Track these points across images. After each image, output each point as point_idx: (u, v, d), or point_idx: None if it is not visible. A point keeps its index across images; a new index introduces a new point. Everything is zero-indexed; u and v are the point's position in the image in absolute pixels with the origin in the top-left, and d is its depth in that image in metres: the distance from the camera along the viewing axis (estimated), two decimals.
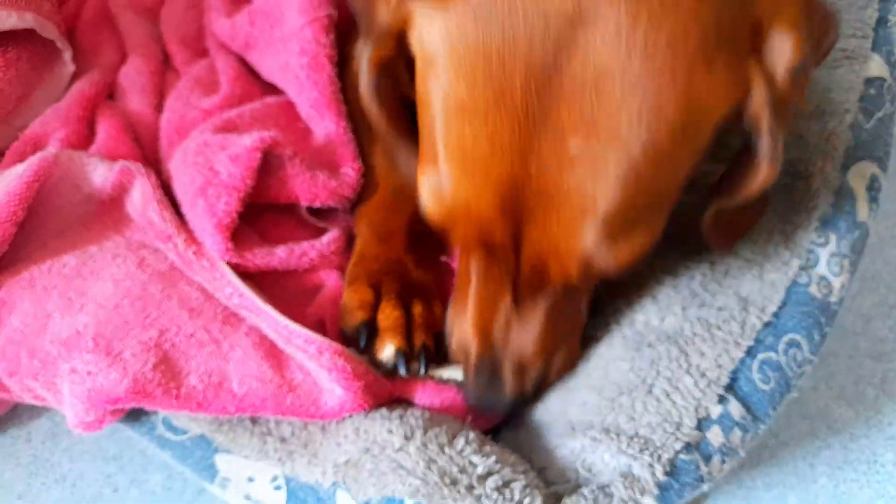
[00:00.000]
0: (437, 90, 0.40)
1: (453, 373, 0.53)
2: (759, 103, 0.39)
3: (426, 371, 0.53)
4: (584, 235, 0.39)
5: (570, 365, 0.52)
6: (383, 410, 0.50)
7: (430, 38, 0.40)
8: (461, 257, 0.51)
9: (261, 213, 0.60)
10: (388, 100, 0.47)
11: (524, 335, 0.47)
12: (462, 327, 0.50)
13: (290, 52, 0.63)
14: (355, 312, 0.55)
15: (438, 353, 0.54)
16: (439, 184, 0.41)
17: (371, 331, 0.54)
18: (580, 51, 0.36)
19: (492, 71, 0.37)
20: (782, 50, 0.39)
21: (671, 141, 0.38)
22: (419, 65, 0.41)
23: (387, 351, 0.53)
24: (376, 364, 0.53)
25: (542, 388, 0.51)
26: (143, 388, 0.49)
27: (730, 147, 0.44)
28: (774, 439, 0.72)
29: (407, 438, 0.47)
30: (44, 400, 0.54)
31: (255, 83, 0.68)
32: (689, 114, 0.38)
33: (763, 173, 0.42)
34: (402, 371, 0.52)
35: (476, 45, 0.37)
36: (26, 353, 0.52)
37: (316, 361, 0.50)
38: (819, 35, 0.44)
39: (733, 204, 0.45)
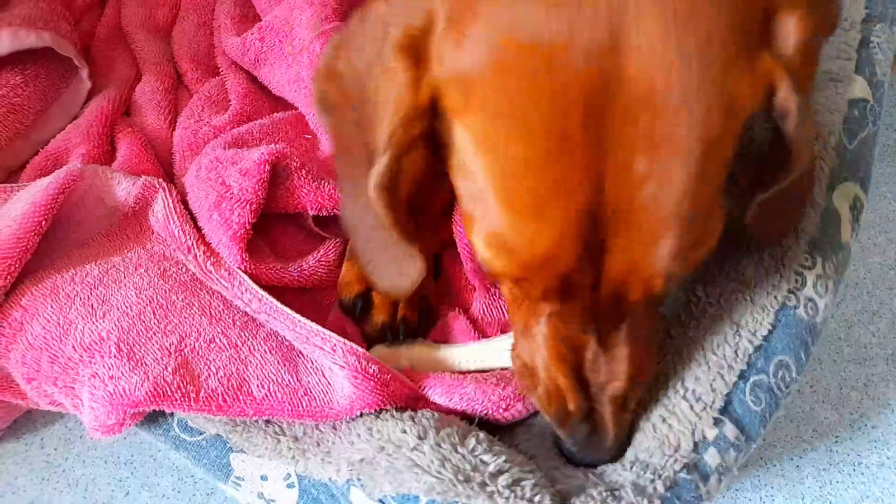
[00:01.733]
0: (489, 150, 0.39)
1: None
2: (785, 92, 0.40)
3: (403, 339, 0.59)
4: (664, 250, 0.39)
5: (653, 375, 0.50)
6: (393, 411, 0.51)
7: (471, 104, 0.39)
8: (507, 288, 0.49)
9: (269, 224, 0.62)
10: (395, 196, 0.45)
11: (616, 369, 0.45)
12: (546, 373, 0.47)
13: (301, 65, 0.65)
14: (353, 285, 0.60)
15: (421, 325, 0.60)
16: (506, 241, 0.40)
17: (366, 302, 0.60)
18: (625, 73, 0.36)
19: (546, 117, 0.37)
20: (791, 32, 0.40)
21: (720, 144, 0.39)
22: (457, 134, 0.40)
23: (375, 323, 0.59)
24: (365, 335, 0.58)
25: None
26: (162, 391, 0.50)
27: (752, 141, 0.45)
28: (761, 441, 0.75)
29: (421, 438, 0.48)
30: (60, 405, 0.55)
31: (264, 99, 0.69)
32: (730, 115, 0.38)
33: (801, 154, 0.42)
34: (389, 338, 0.58)
35: (524, 95, 0.37)
36: (47, 358, 0.53)
37: (331, 359, 0.51)
38: (825, 10, 0.44)
39: (775, 192, 0.45)
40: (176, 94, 0.71)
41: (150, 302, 0.54)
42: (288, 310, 0.54)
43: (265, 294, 0.55)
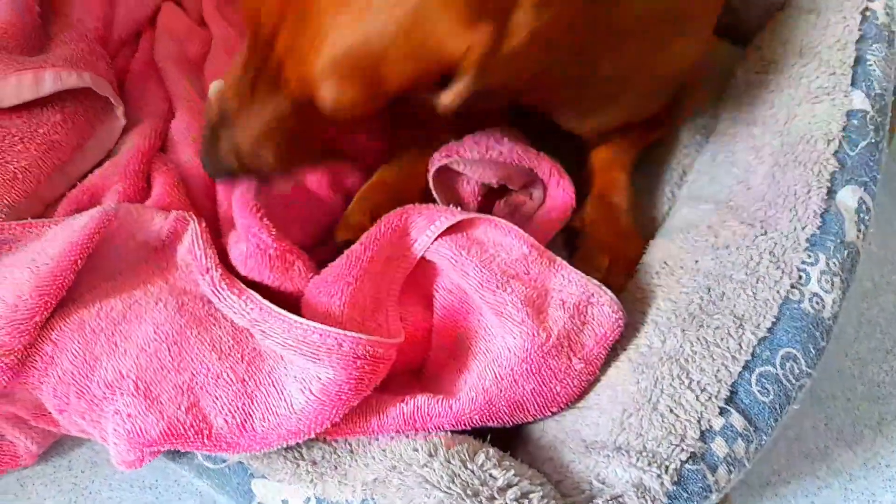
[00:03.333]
0: None
1: None
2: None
3: None
4: (319, 59, 0.43)
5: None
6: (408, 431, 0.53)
7: None
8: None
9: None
10: None
11: (251, 121, 0.52)
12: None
13: None
14: (348, 230, 0.64)
15: None
16: None
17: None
18: None
19: None
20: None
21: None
22: None
23: None
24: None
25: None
26: (176, 430, 0.51)
27: None
28: (776, 477, 0.74)
29: (431, 455, 0.49)
30: (90, 435, 0.56)
31: None
32: None
33: None
34: None
35: None
36: (75, 392, 0.54)
37: (337, 354, 0.51)
38: None
39: None
40: None
41: (167, 338, 0.55)
42: (287, 314, 0.55)
43: (265, 302, 0.56)
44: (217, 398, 0.53)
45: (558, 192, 0.70)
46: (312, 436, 0.52)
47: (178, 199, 0.67)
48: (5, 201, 0.63)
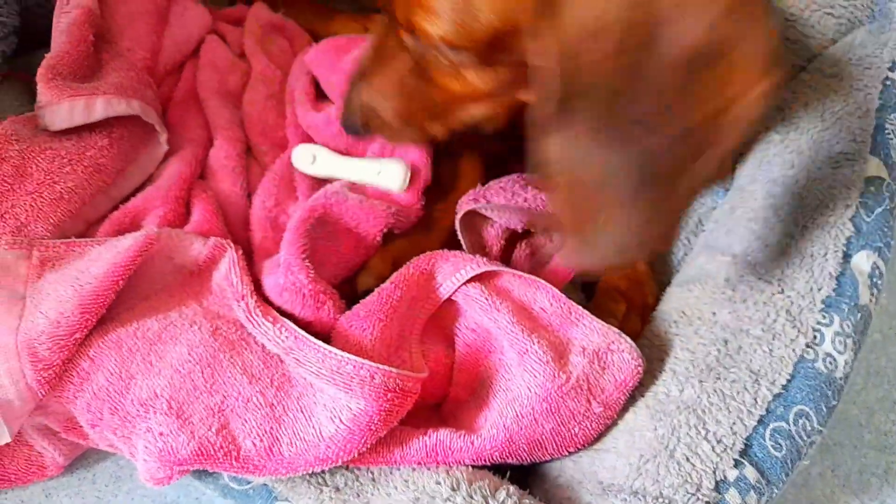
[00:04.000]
0: None
1: None
2: None
3: None
4: None
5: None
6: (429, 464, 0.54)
7: None
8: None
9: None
10: None
11: (379, 75, 0.59)
12: None
13: None
14: (370, 279, 0.67)
15: None
16: None
17: None
18: None
19: None
20: None
21: None
22: None
23: None
24: None
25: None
26: (206, 451, 0.53)
27: None
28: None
29: (454, 489, 0.51)
30: (119, 450, 0.58)
31: None
32: None
33: None
34: None
35: None
36: (109, 409, 0.55)
37: (369, 385, 0.54)
38: None
39: None
40: (247, 160, 0.77)
41: (200, 360, 0.57)
42: (320, 343, 0.57)
43: (300, 332, 0.59)
44: (246, 421, 0.54)
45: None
46: (339, 464, 0.54)
47: (217, 226, 0.69)
48: (51, 220, 0.65)
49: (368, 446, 0.54)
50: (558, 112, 0.44)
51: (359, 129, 0.64)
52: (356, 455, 0.54)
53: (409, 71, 0.59)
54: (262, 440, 0.54)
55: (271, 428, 0.54)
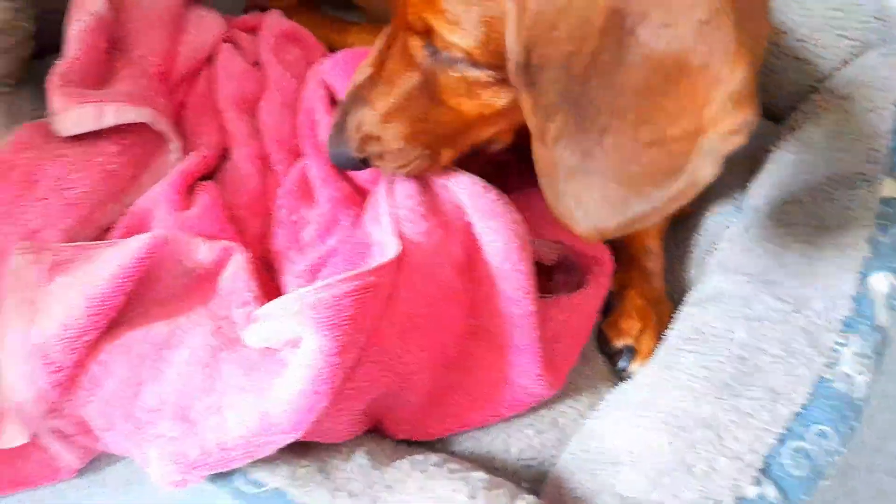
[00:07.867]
0: None
1: None
2: None
3: None
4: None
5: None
6: (444, 471, 0.54)
7: None
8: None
9: None
10: None
11: (381, 95, 0.55)
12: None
13: None
14: None
15: None
16: None
17: None
18: None
19: None
20: None
21: None
22: None
23: None
24: None
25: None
26: (209, 452, 0.53)
27: None
28: None
29: (472, 497, 0.51)
30: (132, 455, 0.58)
31: (347, 182, 0.74)
32: None
33: None
34: None
35: None
36: (120, 415, 0.56)
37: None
38: None
39: None
40: (264, 168, 0.76)
41: (200, 361, 0.57)
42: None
43: None
44: (235, 408, 0.54)
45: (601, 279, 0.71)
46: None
47: (225, 232, 0.69)
48: (62, 226, 0.65)
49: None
50: (524, 77, 0.44)
51: (353, 160, 0.59)
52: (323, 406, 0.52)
53: (417, 90, 0.55)
54: (248, 427, 0.53)
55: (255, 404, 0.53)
